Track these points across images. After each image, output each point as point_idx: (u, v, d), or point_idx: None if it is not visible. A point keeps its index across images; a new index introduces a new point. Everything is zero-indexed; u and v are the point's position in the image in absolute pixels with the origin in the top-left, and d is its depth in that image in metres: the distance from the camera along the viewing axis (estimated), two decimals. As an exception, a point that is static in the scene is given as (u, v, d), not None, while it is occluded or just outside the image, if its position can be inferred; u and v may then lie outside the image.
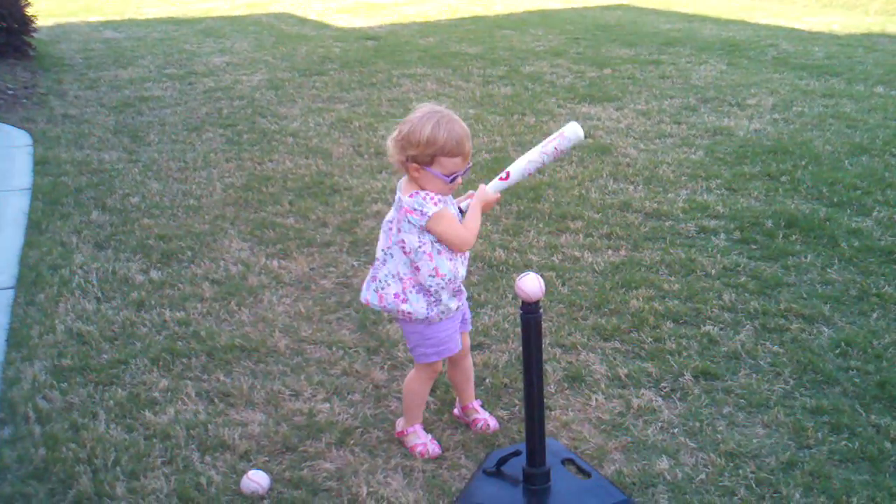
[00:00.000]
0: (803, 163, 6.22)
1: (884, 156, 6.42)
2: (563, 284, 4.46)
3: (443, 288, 2.98)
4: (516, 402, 3.45)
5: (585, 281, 4.50)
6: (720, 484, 2.97)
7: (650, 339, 3.92)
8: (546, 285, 4.30)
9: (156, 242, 4.99)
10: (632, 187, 5.84)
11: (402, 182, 3.02)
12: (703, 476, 3.00)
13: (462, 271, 3.05)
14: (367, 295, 3.09)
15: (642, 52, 10.66)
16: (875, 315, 4.10)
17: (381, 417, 3.37)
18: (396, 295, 2.99)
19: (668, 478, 2.99)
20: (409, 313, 2.99)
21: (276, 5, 15.50)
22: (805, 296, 4.30)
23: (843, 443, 3.17)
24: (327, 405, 3.44)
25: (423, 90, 8.69)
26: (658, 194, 5.70)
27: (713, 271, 4.57)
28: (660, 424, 3.31)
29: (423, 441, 3.18)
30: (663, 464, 3.06)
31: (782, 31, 12.62)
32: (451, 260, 2.97)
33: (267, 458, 3.12)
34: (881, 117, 7.49)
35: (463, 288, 3.13)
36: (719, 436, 3.22)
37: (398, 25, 13.13)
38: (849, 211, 5.34)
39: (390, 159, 2.98)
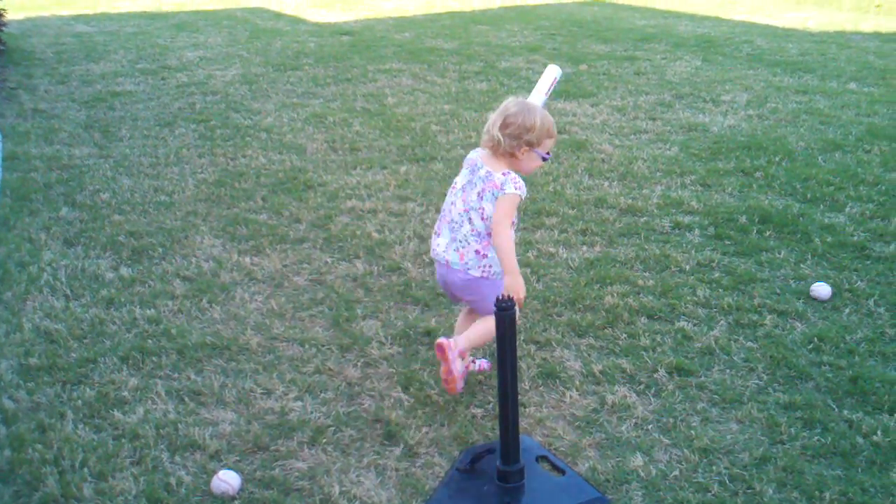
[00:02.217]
0: (777, 159, 6.24)
1: (856, 152, 6.46)
2: (538, 281, 4.45)
3: (492, 253, 3.36)
4: (490, 398, 3.43)
5: (560, 277, 4.49)
6: (694, 480, 2.96)
7: (624, 335, 3.91)
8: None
9: (126, 239, 4.92)
10: (607, 183, 5.83)
11: (486, 158, 3.38)
12: (676, 472, 3.00)
13: None
14: (448, 255, 3.40)
15: (618, 49, 10.68)
16: (847, 310, 4.12)
17: (355, 415, 3.34)
18: (477, 252, 3.35)
19: (642, 474, 2.99)
20: (489, 267, 3.36)
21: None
22: (778, 291, 4.31)
23: (816, 438, 3.18)
24: (300, 403, 3.40)
25: (398, 85, 8.66)
26: (633, 190, 5.70)
27: (687, 267, 4.57)
28: (634, 421, 3.30)
29: (460, 374, 3.40)
30: (637, 460, 3.05)
31: (757, 27, 12.68)
32: (514, 232, 3.40)
33: (238, 458, 3.08)
34: (854, 114, 7.54)
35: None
36: (693, 432, 3.22)
37: (374, 20, 13.08)
38: (822, 207, 5.37)
39: (488, 145, 3.36)
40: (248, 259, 4.67)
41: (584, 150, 6.56)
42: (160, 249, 4.79)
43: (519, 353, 3.74)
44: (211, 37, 11.51)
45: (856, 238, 4.89)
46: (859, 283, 4.38)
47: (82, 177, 5.98)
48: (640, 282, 4.41)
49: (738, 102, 7.94)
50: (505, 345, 2.78)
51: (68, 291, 4.32)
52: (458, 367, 3.34)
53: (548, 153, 3.42)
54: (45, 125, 7.27)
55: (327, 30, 12.12)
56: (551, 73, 3.79)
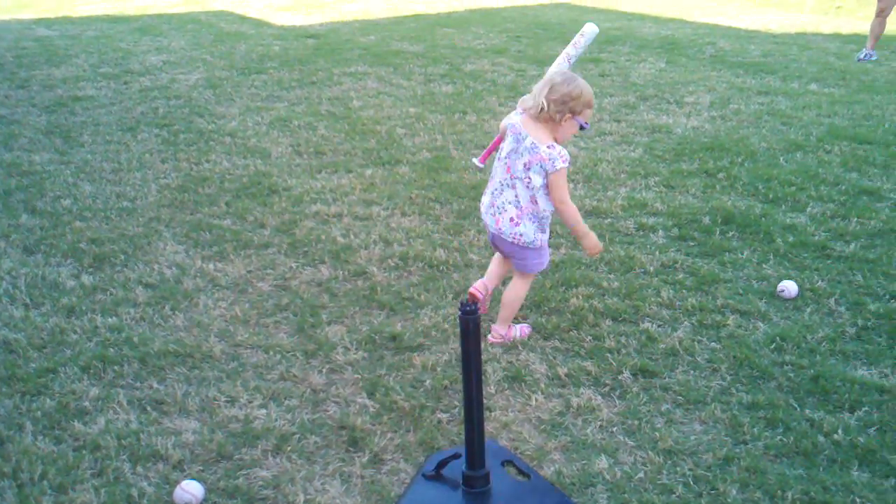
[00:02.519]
0: (740, 160, 6.30)
1: (817, 152, 6.53)
2: (503, 284, 4.43)
3: (548, 221, 3.72)
4: (456, 403, 3.42)
5: (526, 280, 4.49)
6: (658, 482, 2.97)
7: (589, 338, 3.92)
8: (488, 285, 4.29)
9: (88, 246, 4.86)
10: (572, 185, 5.85)
11: (527, 124, 3.61)
12: (641, 474, 3.01)
13: None
14: (486, 218, 3.79)
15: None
16: (809, 310, 4.16)
17: (319, 422, 3.31)
18: (512, 220, 3.67)
19: (608, 477, 2.99)
20: (520, 236, 3.68)
21: (215, 3, 15.29)
22: (741, 291, 4.35)
23: (779, 437, 3.20)
24: (264, 411, 3.37)
25: (363, 88, 8.63)
26: (598, 192, 5.72)
27: (651, 268, 4.60)
28: (599, 423, 3.31)
29: (519, 326, 3.97)
30: (602, 463, 3.06)
31: (720, 29, 12.80)
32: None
33: (201, 468, 3.05)
34: (815, 114, 7.63)
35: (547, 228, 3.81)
36: (657, 433, 3.23)
37: (339, 23, 13.03)
38: (783, 207, 5.42)
39: (532, 111, 3.57)
40: (211, 265, 4.62)
41: (549, 152, 6.56)
42: (122, 256, 4.73)
43: (485, 357, 3.74)
44: (174, 41, 11.41)
45: (817, 238, 4.94)
46: (820, 282, 4.43)
47: (43, 183, 5.90)
48: (605, 284, 4.42)
49: (702, 104, 8.00)
50: (469, 349, 2.77)
51: (28, 300, 4.25)
52: (517, 332, 3.92)
53: (586, 122, 3.63)
54: (4, 131, 7.16)
55: (292, 33, 12.06)
56: (590, 30, 4.24)
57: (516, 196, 3.64)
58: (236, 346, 3.86)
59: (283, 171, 6.11)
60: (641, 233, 5.08)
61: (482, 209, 3.82)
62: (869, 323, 4.04)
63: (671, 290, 4.35)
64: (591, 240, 3.73)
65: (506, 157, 3.65)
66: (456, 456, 3.00)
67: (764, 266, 4.62)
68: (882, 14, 10.42)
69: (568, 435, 3.25)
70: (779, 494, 2.90)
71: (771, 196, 5.58)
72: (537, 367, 3.70)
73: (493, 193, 3.72)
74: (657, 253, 4.78)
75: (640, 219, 5.25)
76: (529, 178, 3.58)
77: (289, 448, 3.15)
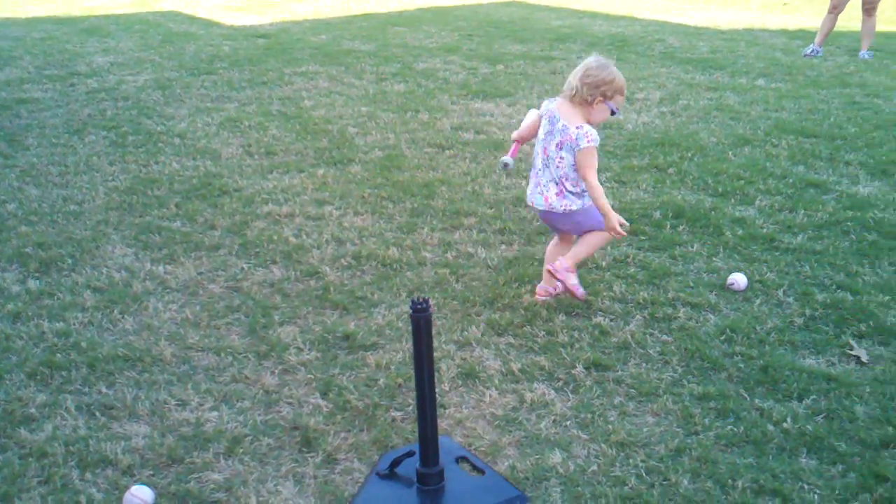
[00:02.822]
0: (689, 154, 6.37)
1: (765, 146, 6.63)
2: (457, 281, 4.45)
3: (584, 190, 3.99)
4: (410, 401, 3.41)
5: (479, 277, 4.50)
6: (611, 474, 2.99)
7: (543, 333, 3.93)
8: (440, 282, 4.31)
9: (34, 251, 4.76)
10: (524, 182, 5.86)
11: (564, 109, 3.95)
12: (594, 467, 3.02)
13: None
14: (533, 199, 4.08)
15: (534, 48, 10.78)
16: (758, 301, 4.22)
17: (272, 423, 3.28)
18: (558, 194, 3.98)
19: (561, 471, 3.00)
20: (569, 206, 3.98)
21: (164, 3, 15.12)
22: (692, 284, 4.39)
23: (729, 427, 3.24)
24: (216, 413, 3.34)
25: (315, 88, 8.58)
26: (550, 188, 5.74)
27: (604, 263, 4.63)
28: (553, 418, 3.32)
29: (578, 283, 4.10)
30: (556, 457, 3.07)
31: (669, 26, 12.94)
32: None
33: (151, 472, 3.00)
34: (762, 109, 7.75)
35: None
36: (610, 426, 3.25)
37: (290, 23, 12.96)
38: (733, 200, 5.49)
39: (567, 93, 3.92)
40: (161, 268, 4.56)
41: (501, 149, 6.58)
42: (69, 260, 4.65)
43: (439, 354, 3.73)
44: (122, 41, 11.26)
45: (765, 230, 5.02)
46: (769, 274, 4.49)
47: (-14, 187, 5.78)
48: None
49: (652, 100, 8.08)
50: (421, 347, 2.77)
51: (-28, 307, 4.16)
52: (573, 280, 4.05)
53: (617, 108, 3.97)
54: (-54, 135, 7.01)
55: (242, 33, 11.97)
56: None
57: (552, 175, 3.97)
58: (187, 348, 3.81)
59: (234, 171, 6.06)
60: (593, 228, 5.11)
61: (528, 194, 4.13)
62: (816, 313, 4.10)
63: (623, 285, 4.38)
64: (611, 220, 3.89)
65: (542, 140, 4.00)
66: (410, 454, 2.99)
67: (714, 259, 4.68)
68: (835, 10, 10.60)
69: (522, 430, 3.25)
70: (729, 483, 2.93)
71: (720, 190, 5.65)
72: (491, 363, 3.70)
73: (536, 175, 4.06)
74: (609, 248, 4.81)
75: (592, 214, 5.28)
76: (562, 157, 3.91)
77: (241, 450, 3.12)
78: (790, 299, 4.24)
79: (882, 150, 6.55)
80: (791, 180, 5.86)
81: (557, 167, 3.93)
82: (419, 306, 2.73)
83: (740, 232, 4.98)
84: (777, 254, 4.74)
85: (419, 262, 4.64)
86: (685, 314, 4.09)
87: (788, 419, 3.27)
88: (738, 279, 4.35)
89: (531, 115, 4.30)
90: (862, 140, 6.83)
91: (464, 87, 8.64)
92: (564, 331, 3.94)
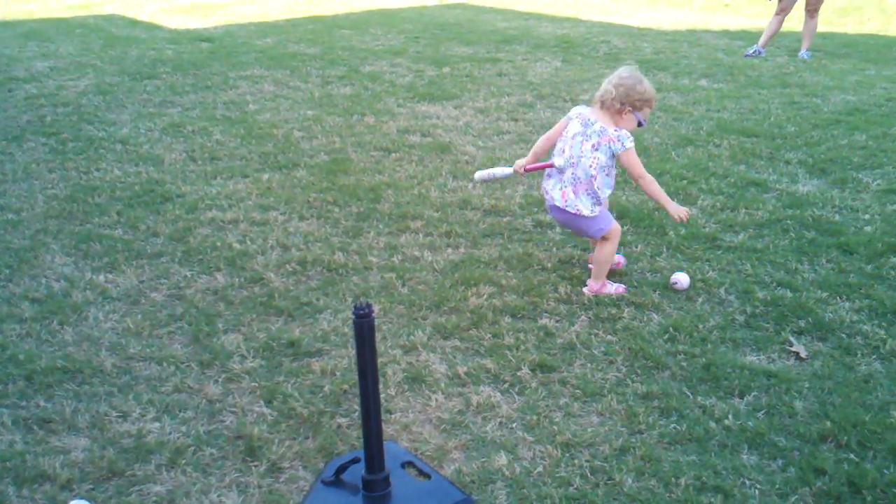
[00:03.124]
0: (633, 155, 6.42)
1: (707, 146, 6.72)
2: (403, 285, 4.44)
3: (604, 195, 4.23)
4: (356, 407, 3.39)
5: (426, 280, 4.49)
6: (557, 475, 3.00)
7: (489, 336, 3.94)
8: (386, 287, 4.31)
9: (-30, 261, 4.66)
10: (470, 185, 5.88)
11: (597, 114, 4.19)
12: (540, 469, 3.04)
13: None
14: (553, 193, 4.27)
15: (480, 51, 10.81)
16: (700, 300, 4.27)
17: (216, 433, 3.24)
18: (574, 193, 4.18)
19: (507, 473, 3.01)
20: (579, 208, 4.19)
21: (106, 7, 14.88)
22: (636, 284, 4.44)
23: (672, 426, 3.28)
24: (157, 424, 3.29)
25: (260, 92, 8.51)
26: (496, 191, 5.76)
27: (549, 265, 4.65)
28: (499, 420, 3.33)
29: (614, 285, 4.34)
30: (502, 459, 3.08)
31: (613, 27, 13.07)
32: (612, 179, 4.27)
33: (91, 486, 2.95)
34: (704, 109, 7.86)
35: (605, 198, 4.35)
36: (556, 427, 3.27)
37: (234, 26, 12.84)
38: (676, 200, 5.48)
39: (600, 96, 4.19)
40: (102, 277, 4.49)
41: (447, 152, 6.60)
42: (6, 271, 4.55)
43: (385, 358, 3.73)
44: (62, 46, 11.05)
45: (707, 230, 5.09)
46: (711, 272, 4.55)
47: (-80, 197, 5.63)
48: (504, 281, 4.46)
49: (597, 101, 8.14)
50: (365, 352, 2.75)
51: None
52: (611, 289, 4.31)
53: (644, 120, 4.20)
54: None
55: (186, 36, 11.82)
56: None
57: (574, 174, 4.16)
58: (128, 359, 3.75)
59: (177, 177, 5.98)
60: (539, 230, 5.14)
61: (548, 189, 4.32)
62: (757, 310, 4.17)
63: (568, 286, 4.41)
64: (673, 207, 4.23)
65: (571, 140, 4.17)
66: (355, 460, 2.98)
67: (657, 259, 4.73)
68: (782, 12, 10.78)
69: (468, 433, 3.25)
70: (673, 481, 2.96)
71: (664, 190, 5.69)
72: (437, 367, 3.70)
73: (557, 172, 4.25)
74: (554, 249, 4.85)
75: (538, 216, 5.31)
76: (596, 157, 4.12)
77: (183, 461, 3.08)
78: (732, 297, 4.30)
79: (820, 149, 6.68)
80: (732, 180, 5.95)
81: (589, 167, 4.13)
82: (362, 311, 2.72)
83: (683, 232, 5.04)
84: (719, 252, 4.81)
85: (365, 267, 4.62)
86: (629, 314, 4.13)
87: (730, 416, 3.32)
88: (681, 278, 4.40)
89: (544, 139, 4.49)
90: (801, 139, 6.96)
91: (410, 89, 8.64)
92: (510, 333, 3.95)
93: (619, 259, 4.59)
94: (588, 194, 4.19)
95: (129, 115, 7.64)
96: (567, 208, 4.23)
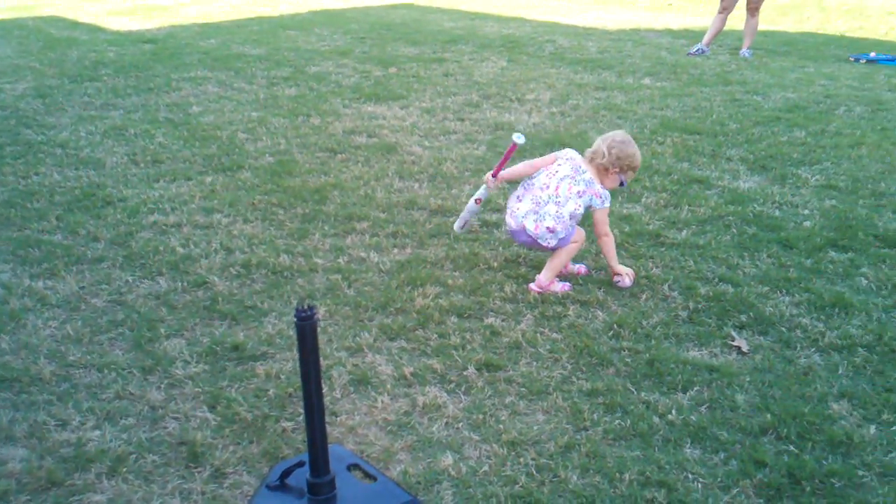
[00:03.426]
0: (578, 154, 6.47)
1: (651, 144, 6.80)
2: (349, 286, 4.41)
3: (569, 231, 4.38)
4: (301, 410, 3.36)
5: (372, 281, 4.47)
6: (503, 474, 3.01)
7: (435, 336, 3.94)
8: (332, 288, 4.28)
9: None
10: (417, 185, 5.87)
11: (586, 164, 4.41)
12: (486, 468, 3.04)
13: None
14: (526, 221, 4.35)
15: (426, 51, 10.81)
16: (644, 296, 4.32)
17: (158, 440, 3.20)
18: (549, 228, 4.31)
19: (453, 473, 3.01)
20: (550, 242, 4.35)
21: (45, 8, 14.59)
22: (581, 282, 4.47)
23: (617, 422, 3.30)
24: (98, 432, 3.23)
25: (203, 93, 8.41)
26: (443, 191, 5.77)
27: (495, 264, 4.66)
28: (445, 420, 3.33)
29: (561, 283, 4.42)
30: (448, 459, 3.07)
31: (559, 27, 13.16)
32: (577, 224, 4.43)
33: (29, 497, 2.88)
34: (648, 108, 7.94)
35: None
36: (501, 426, 3.28)
37: (178, 27, 12.66)
38: (620, 198, 5.60)
39: (591, 154, 4.43)
40: (40, 283, 4.39)
41: (394, 152, 6.58)
42: (-59, 279, 4.44)
43: (331, 361, 3.71)
44: (-1, 48, 10.82)
45: (651, 227, 5.14)
46: (655, 269, 4.60)
47: None
48: (450, 281, 4.46)
49: (542, 100, 8.19)
50: (307, 355, 2.73)
51: None
52: (557, 287, 4.38)
53: (625, 182, 4.43)
54: None
55: (128, 38, 11.64)
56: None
57: (558, 212, 4.29)
58: (68, 366, 3.68)
59: (119, 181, 5.88)
60: (485, 229, 5.16)
61: (516, 212, 4.40)
62: (700, 306, 4.23)
63: (514, 284, 4.42)
64: (621, 268, 4.45)
65: (559, 180, 4.33)
66: (300, 464, 2.95)
67: (601, 257, 4.76)
68: (725, 11, 10.92)
69: (414, 434, 3.25)
70: (617, 477, 2.98)
71: (608, 188, 5.76)
72: (383, 368, 3.69)
73: (536, 202, 4.34)
74: (500, 248, 4.86)
75: (484, 215, 5.32)
76: (578, 204, 4.30)
77: (125, 469, 3.03)
78: (675, 293, 4.35)
79: (761, 146, 6.79)
80: (676, 177, 6.02)
81: (572, 209, 4.30)
82: (304, 314, 2.69)
83: (627, 229, 5.09)
84: (662, 249, 4.87)
85: (311, 269, 4.59)
86: (574, 311, 4.16)
87: (673, 411, 3.36)
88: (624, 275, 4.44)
89: (527, 165, 4.57)
90: (742, 136, 7.07)
91: (356, 90, 8.60)
92: (457, 333, 3.96)
93: (581, 267, 4.64)
94: (564, 230, 4.33)
95: (69, 118, 7.50)
96: (538, 239, 4.35)
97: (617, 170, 4.35)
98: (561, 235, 4.35)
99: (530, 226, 4.34)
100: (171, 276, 4.48)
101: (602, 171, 4.36)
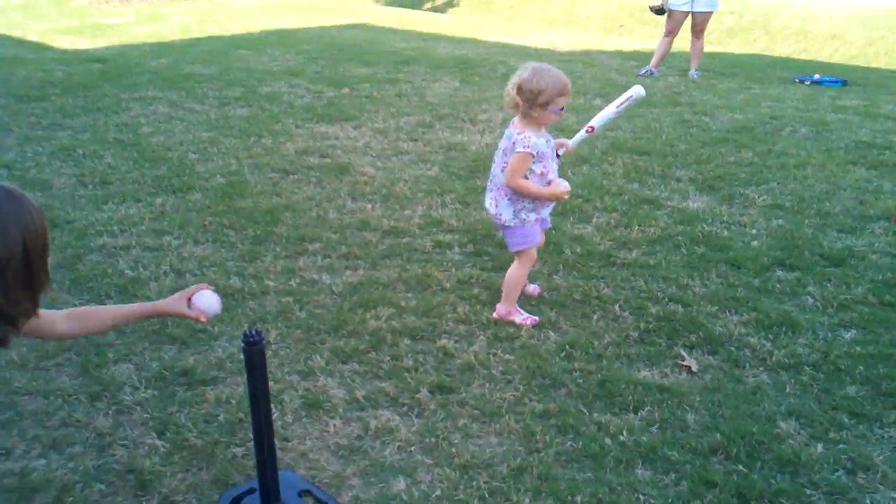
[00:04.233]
0: (530, 174, 6.51)
1: (602, 165, 6.87)
2: (301, 309, 4.39)
3: (524, 203, 4.10)
4: (251, 436, 3.32)
5: (324, 304, 4.45)
6: (455, 498, 3.01)
7: (388, 358, 3.93)
8: (283, 311, 4.25)
9: None
10: (370, 206, 5.87)
11: (516, 119, 4.06)
12: (438, 492, 3.03)
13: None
14: (486, 203, 4.25)
15: (379, 71, 10.82)
16: (596, 316, 4.35)
17: (105, 468, 3.14)
18: (494, 201, 4.15)
19: (405, 498, 3.00)
20: (500, 216, 4.14)
21: (-9, 26, 14.35)
22: (534, 303, 4.49)
23: (569, 443, 3.32)
24: (43, 461, 3.16)
25: (153, 113, 8.32)
26: (395, 211, 5.76)
27: (448, 285, 4.67)
28: (397, 444, 3.31)
29: (524, 315, 4.27)
30: (400, 484, 3.06)
31: (511, 48, 13.26)
32: (542, 182, 4.07)
33: (-30, 529, 2.82)
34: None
35: (542, 206, 4.18)
36: (454, 449, 3.27)
37: (128, 46, 12.52)
38: (572, 219, 5.65)
39: (509, 105, 4.01)
40: (-16, 308, 4.29)
41: (346, 173, 6.57)
42: None
43: (282, 385, 3.68)
44: (-57, 66, 10.60)
45: (602, 247, 5.19)
46: (606, 289, 4.64)
47: None
48: (403, 303, 4.45)
49: (494, 121, 8.24)
50: (255, 381, 2.71)
51: None
52: (519, 318, 4.25)
53: (562, 108, 3.98)
54: None
55: (76, 57, 11.48)
56: (636, 93, 4.35)
57: (497, 181, 4.13)
58: (12, 393, 3.60)
59: (66, 203, 5.79)
60: (438, 250, 5.16)
61: (485, 199, 4.30)
62: (650, 325, 4.27)
63: (467, 306, 4.43)
64: (552, 195, 4.09)
65: (499, 150, 4.13)
66: (251, 491, 2.93)
67: (554, 277, 4.80)
68: (670, 35, 11.10)
69: (366, 459, 3.23)
70: (569, 499, 2.99)
71: (559, 209, 5.79)
72: (336, 391, 3.66)
73: (491, 181, 4.20)
74: (453, 269, 4.87)
75: (437, 236, 5.33)
76: (506, 162, 4.03)
77: (71, 499, 2.96)
78: (626, 314, 4.39)
79: (710, 166, 6.90)
80: (626, 197, 6.09)
81: (501, 171, 4.08)
82: (251, 339, 2.67)
83: (579, 249, 5.13)
84: (613, 269, 4.91)
85: (262, 292, 4.55)
86: (527, 333, 4.17)
87: (625, 432, 3.38)
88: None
89: None
90: (691, 157, 7.18)
91: (309, 110, 8.58)
92: (409, 355, 3.95)
93: (535, 288, 4.60)
94: (508, 200, 4.11)
95: (15, 138, 7.36)
96: (495, 216, 4.21)
97: (538, 108, 3.91)
98: (508, 213, 4.10)
99: (490, 206, 4.21)
100: (120, 300, 4.41)
101: (527, 117, 3.98)
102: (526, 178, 4.02)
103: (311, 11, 17.37)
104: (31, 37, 13.38)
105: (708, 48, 11.53)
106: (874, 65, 14.09)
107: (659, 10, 10.89)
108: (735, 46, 14.38)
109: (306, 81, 10.05)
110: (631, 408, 3.56)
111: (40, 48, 12.30)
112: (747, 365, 3.95)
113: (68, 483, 3.04)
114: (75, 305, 4.33)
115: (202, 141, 7.36)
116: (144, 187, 6.15)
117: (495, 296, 4.52)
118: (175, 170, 6.54)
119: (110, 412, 3.49)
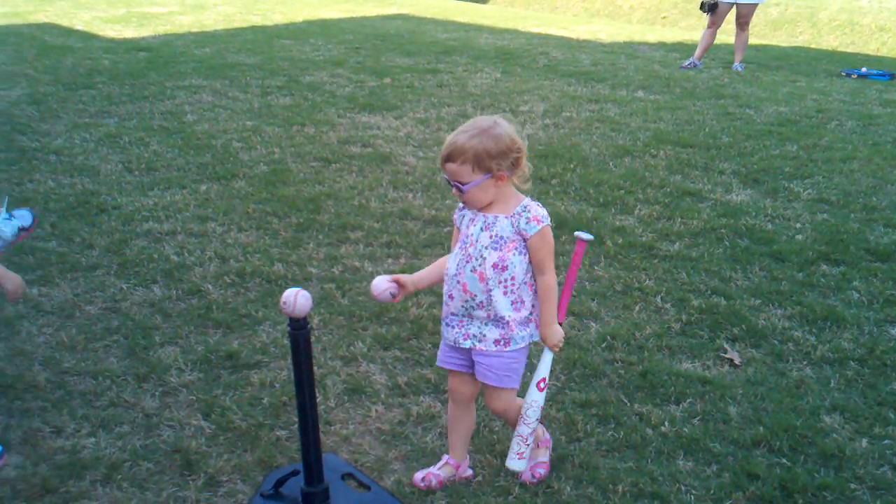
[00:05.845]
0: (572, 166, 6.51)
1: (644, 156, 6.83)
2: (344, 296, 4.43)
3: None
4: (295, 419, 3.36)
5: (366, 291, 4.46)
6: (496, 485, 3.03)
7: (429, 346, 3.95)
8: (326, 298, 4.28)
9: None
10: (411, 195, 5.89)
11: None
12: (479, 478, 3.06)
13: (451, 287, 2.97)
14: (467, 340, 3.01)
15: (421, 61, 10.83)
16: (637, 308, 4.34)
17: (152, 448, 3.20)
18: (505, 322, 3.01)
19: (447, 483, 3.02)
20: (508, 337, 3.05)
21: (39, 15, 14.57)
22: (574, 294, 4.48)
23: (610, 433, 3.32)
24: (93, 440, 3.23)
25: (198, 102, 8.41)
26: (436, 201, 5.78)
27: (489, 274, 4.67)
28: (439, 430, 3.34)
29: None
30: (442, 470, 3.08)
31: (553, 39, 13.21)
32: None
33: (23, 504, 2.89)
34: (641, 120, 7.98)
35: (455, 321, 2.98)
36: (495, 436, 3.30)
37: (172, 35, 12.66)
38: (613, 210, 5.64)
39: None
40: (35, 290, 4.39)
41: (388, 162, 6.60)
42: (-66, 285, 4.43)
43: (325, 370, 3.72)
44: (-6, 54, 10.80)
45: (644, 239, 5.17)
46: (648, 281, 4.63)
47: None
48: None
49: (536, 112, 8.23)
50: (301, 365, 2.74)
51: None
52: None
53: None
54: None
55: (123, 46, 11.63)
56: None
57: (499, 304, 3.01)
58: (63, 373, 3.68)
59: (113, 189, 5.88)
60: (479, 240, 5.16)
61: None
62: (692, 318, 4.25)
63: (508, 295, 4.43)
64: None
65: None
66: (294, 473, 2.96)
67: (595, 268, 4.79)
68: (713, 26, 10.99)
69: (408, 444, 3.26)
70: (610, 488, 3.00)
71: (601, 200, 5.79)
72: (378, 377, 3.70)
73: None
74: (494, 259, 4.87)
75: (478, 226, 5.33)
76: (504, 267, 3.06)
77: (119, 476, 3.03)
78: (668, 305, 4.38)
79: (753, 159, 6.83)
80: (668, 189, 6.05)
81: (504, 297, 2.96)
82: (297, 324, 2.71)
83: (620, 241, 5.12)
84: (655, 261, 4.89)
85: (305, 278, 4.60)
86: (568, 323, 4.17)
87: (666, 423, 3.37)
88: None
89: None
90: (735, 149, 7.11)
91: (351, 100, 8.62)
92: (450, 343, 3.96)
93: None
94: (528, 312, 3.11)
95: (63, 125, 7.49)
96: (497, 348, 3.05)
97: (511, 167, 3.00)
98: (519, 325, 3.06)
99: (483, 343, 3.03)
100: (166, 284, 4.49)
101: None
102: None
103: (352, 1, 17.42)
104: (79, 26, 13.57)
105: (752, 40, 11.40)
106: (923, 58, 13.84)
107: (712, 7, 10.77)
108: (779, 39, 14.22)
109: (348, 71, 10.10)
110: (673, 399, 3.55)
111: (87, 37, 12.48)
112: (791, 359, 3.92)
113: (117, 461, 3.11)
114: (122, 290, 4.42)
115: (246, 129, 7.43)
116: (189, 174, 6.23)
117: (536, 286, 4.52)
118: (219, 157, 6.61)
119: (157, 393, 3.55)
